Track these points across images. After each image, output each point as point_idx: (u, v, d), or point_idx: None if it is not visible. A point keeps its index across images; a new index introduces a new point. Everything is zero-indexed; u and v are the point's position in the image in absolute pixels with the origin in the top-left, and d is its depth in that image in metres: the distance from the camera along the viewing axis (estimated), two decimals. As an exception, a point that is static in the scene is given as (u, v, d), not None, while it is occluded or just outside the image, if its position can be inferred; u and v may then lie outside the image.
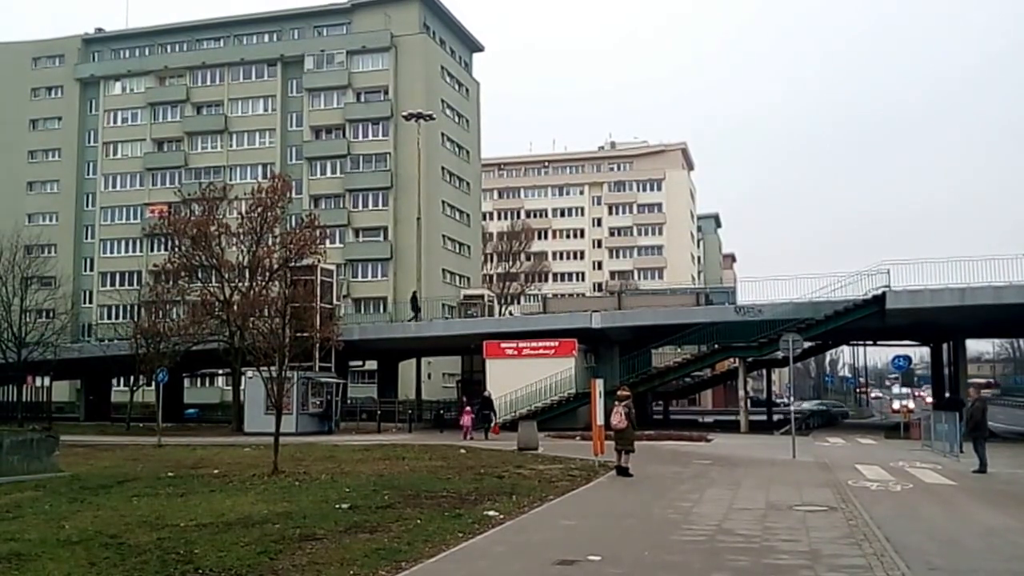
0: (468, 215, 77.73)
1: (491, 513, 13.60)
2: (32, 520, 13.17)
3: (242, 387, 42.20)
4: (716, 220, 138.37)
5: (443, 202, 72.23)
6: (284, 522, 12.64)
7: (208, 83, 76.25)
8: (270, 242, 44.46)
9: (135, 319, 52.04)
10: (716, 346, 42.52)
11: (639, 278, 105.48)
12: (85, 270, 76.73)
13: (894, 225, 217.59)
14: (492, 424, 34.72)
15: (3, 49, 79.72)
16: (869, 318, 38.02)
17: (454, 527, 12.26)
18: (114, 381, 61.49)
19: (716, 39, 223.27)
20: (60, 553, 10.45)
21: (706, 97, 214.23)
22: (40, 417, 48.65)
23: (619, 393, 20.21)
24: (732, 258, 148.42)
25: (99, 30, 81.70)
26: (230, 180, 63.11)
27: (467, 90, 79.40)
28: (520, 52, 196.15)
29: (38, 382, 52.98)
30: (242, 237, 44.55)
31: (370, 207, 71.05)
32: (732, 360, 45.31)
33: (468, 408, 35.68)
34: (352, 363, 54.29)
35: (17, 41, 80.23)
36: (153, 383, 38.73)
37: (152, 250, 65.67)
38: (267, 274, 43.72)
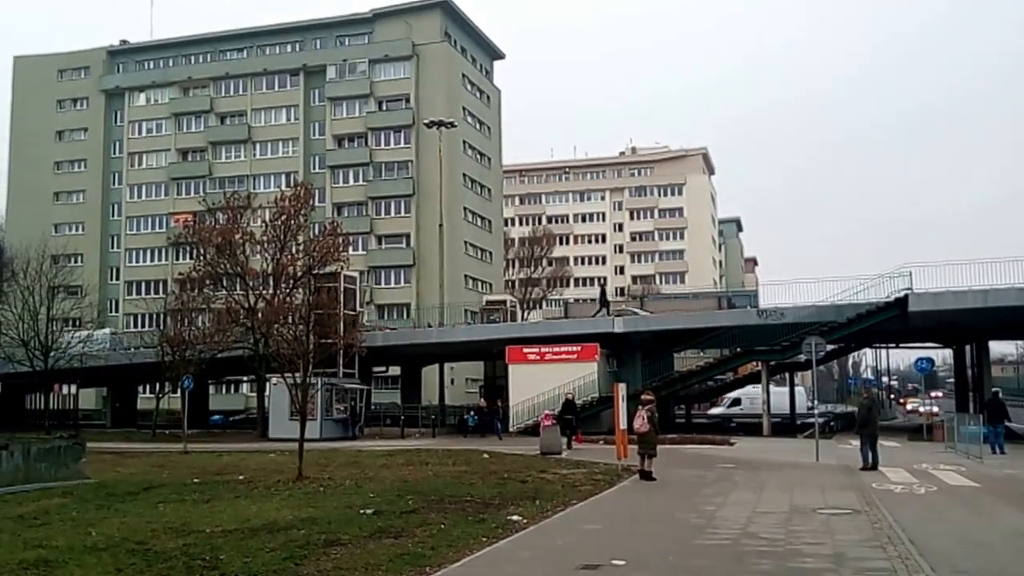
0: (490, 221, 77.80)
1: (515, 518, 13.59)
2: (59, 527, 13.30)
3: (267, 393, 42.42)
4: (737, 224, 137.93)
5: (465, 209, 72.36)
6: (309, 528, 12.70)
7: (231, 93, 76.81)
8: (294, 250, 44.59)
9: (161, 327, 52.49)
10: (738, 350, 42.34)
11: (661, 282, 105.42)
12: (111, 279, 77.34)
13: (917, 227, 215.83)
14: (576, 431, 32.13)
15: (30, 62, 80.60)
16: (891, 320, 37.76)
17: (478, 532, 12.28)
18: (140, 388, 61.96)
19: (737, 42, 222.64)
20: (87, 560, 10.55)
21: (727, 101, 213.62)
22: (67, 424, 49.06)
23: (643, 397, 20.22)
24: (754, 262, 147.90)
25: (123, 42, 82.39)
26: (254, 189, 63.69)
27: (488, 97, 79.56)
28: (541, 59, 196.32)
29: (65, 390, 53.44)
30: (266, 245, 44.77)
31: (392, 214, 71.30)
32: (755, 363, 45.15)
33: (548, 412, 33.51)
34: (376, 369, 54.45)
35: (43, 54, 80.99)
36: (179, 390, 39.07)
37: (177, 259, 66.26)
38: (291, 281, 43.93)
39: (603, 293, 49.73)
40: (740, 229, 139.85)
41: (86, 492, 18.02)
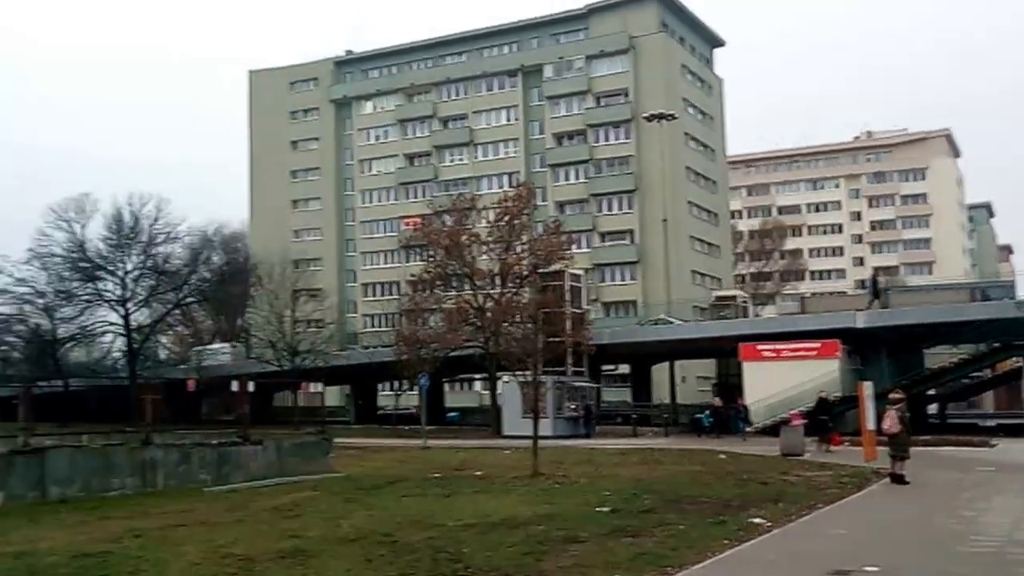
0: (716, 214, 76.21)
1: (757, 520, 13.19)
2: (312, 518, 13.95)
3: (499, 391, 43.25)
4: (988, 209, 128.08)
5: (689, 202, 71.18)
6: (547, 524, 12.75)
7: (453, 97, 78.79)
8: (519, 249, 45.57)
9: (396, 327, 54.77)
10: (996, 345, 39.22)
11: (905, 274, 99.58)
12: (349, 282, 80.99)
13: None
14: (830, 432, 29.84)
15: (264, 75, 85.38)
16: None
17: (719, 533, 12.02)
18: (379, 386, 64.86)
19: (969, 15, 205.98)
20: (339, 550, 10.98)
21: (972, 73, 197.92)
22: (314, 421, 52.13)
23: (891, 396, 19.20)
24: (1009, 249, 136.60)
25: (349, 52, 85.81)
26: (478, 190, 64.98)
27: (709, 87, 77.93)
28: (764, 44, 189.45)
29: (312, 388, 56.79)
30: (492, 245, 45.98)
31: (615, 211, 71.02)
32: (1016, 359, 41.67)
33: (796, 411, 32.35)
34: (605, 367, 54.48)
35: (276, 67, 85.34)
36: (416, 388, 40.61)
37: (408, 261, 68.75)
38: (517, 281, 44.78)
39: (875, 282, 47.00)
40: (991, 215, 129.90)
41: (334, 485, 18.90)
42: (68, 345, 57.33)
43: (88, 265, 54.31)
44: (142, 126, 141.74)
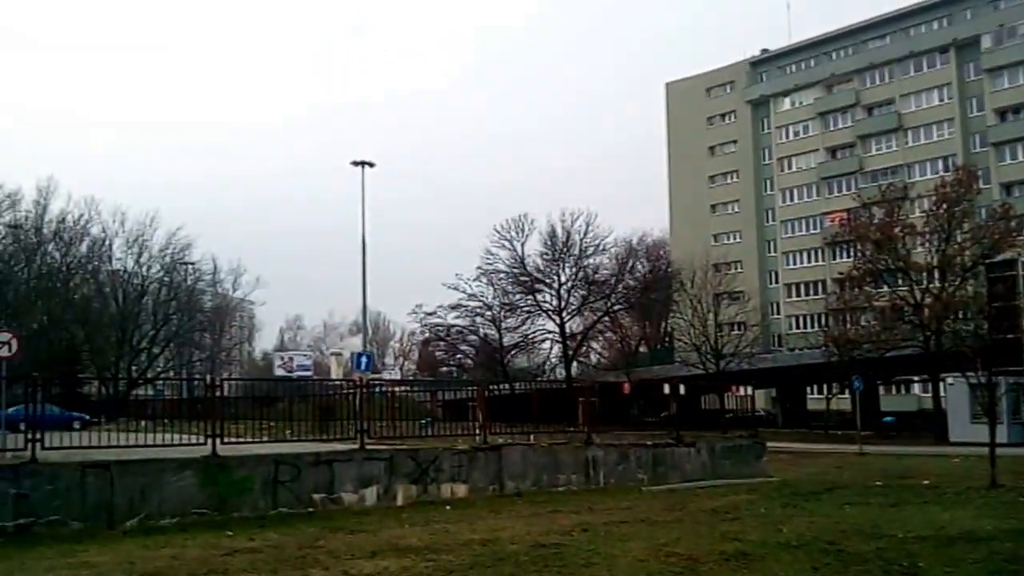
0: None
1: None
2: (750, 522, 13.71)
3: (942, 394, 40.25)
4: None
5: None
6: (1015, 541, 11.44)
7: (877, 83, 74.95)
8: (960, 239, 42.45)
9: (824, 327, 53.00)
10: None
11: None
12: (770, 283, 79.83)
13: None
14: None
15: (679, 86, 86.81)
16: None
17: None
18: (807, 388, 63.04)
19: None
20: (782, 555, 10.67)
21: None
22: (744, 424, 52.18)
23: None
24: None
25: (764, 51, 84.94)
26: (909, 178, 61.41)
27: None
28: None
29: (740, 391, 56.92)
30: (929, 236, 43.29)
31: (1074, 188, 62.97)
32: None
33: None
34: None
35: (690, 76, 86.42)
36: (847, 390, 38.98)
37: (834, 258, 66.29)
38: (960, 273, 41.70)
39: None
40: None
41: (770, 490, 18.56)
42: (512, 352, 62.73)
43: (528, 279, 58.80)
44: (570, 147, 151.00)
